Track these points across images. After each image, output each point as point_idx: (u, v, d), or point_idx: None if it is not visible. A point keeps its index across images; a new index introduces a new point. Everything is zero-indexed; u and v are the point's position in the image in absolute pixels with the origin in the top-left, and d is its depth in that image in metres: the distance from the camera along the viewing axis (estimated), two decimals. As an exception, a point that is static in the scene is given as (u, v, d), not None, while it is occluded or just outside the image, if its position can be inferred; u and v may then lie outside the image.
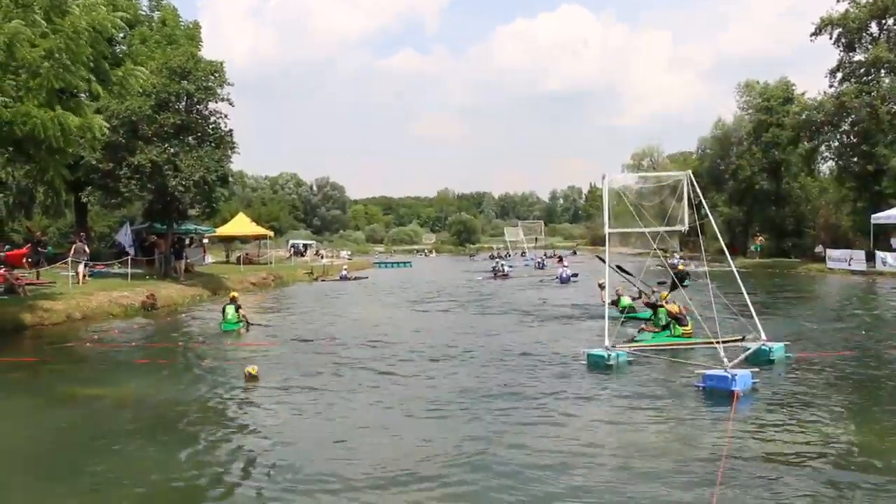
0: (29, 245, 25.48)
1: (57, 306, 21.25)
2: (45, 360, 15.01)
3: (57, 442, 9.24)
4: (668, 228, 15.25)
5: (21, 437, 9.52)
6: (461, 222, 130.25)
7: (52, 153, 16.28)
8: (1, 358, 14.97)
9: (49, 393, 12.01)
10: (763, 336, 13.50)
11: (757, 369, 11.79)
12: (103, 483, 7.59)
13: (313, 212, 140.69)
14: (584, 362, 13.33)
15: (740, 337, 14.26)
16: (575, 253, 78.07)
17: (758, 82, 54.14)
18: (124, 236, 30.76)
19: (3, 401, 11.76)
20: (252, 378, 12.26)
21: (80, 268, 26.29)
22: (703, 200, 14.67)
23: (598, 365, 13.03)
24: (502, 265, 46.43)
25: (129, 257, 28.61)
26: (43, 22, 14.41)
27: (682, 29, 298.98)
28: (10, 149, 16.34)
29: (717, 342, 11.80)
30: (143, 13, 33.66)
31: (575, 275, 37.22)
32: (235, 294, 20.90)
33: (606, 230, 14.90)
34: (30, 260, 23.67)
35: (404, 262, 66.19)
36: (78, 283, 25.44)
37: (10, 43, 13.84)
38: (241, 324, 19.21)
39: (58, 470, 8.09)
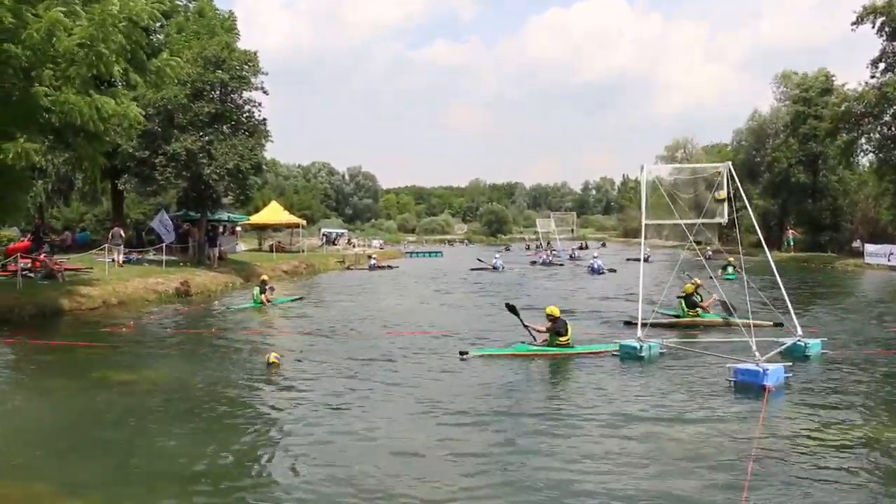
0: (31, 235, 25.23)
1: (94, 292, 21.60)
2: (82, 344, 15.26)
3: (89, 423, 9.41)
4: (706, 220, 15.03)
5: (55, 418, 9.71)
6: (493, 212, 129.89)
7: (90, 140, 16.52)
8: (39, 341, 15.31)
9: (83, 376, 12.22)
10: (799, 331, 13.30)
11: (791, 364, 11.62)
12: (132, 464, 7.75)
13: (345, 201, 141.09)
14: (616, 353, 13.27)
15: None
16: (604, 245, 77.37)
17: (795, 73, 53.24)
18: (159, 224, 31.15)
19: (40, 382, 12.03)
20: (273, 365, 12.47)
21: (117, 252, 27.20)
22: (742, 192, 14.42)
23: (629, 356, 12.94)
24: (551, 256, 47.01)
25: (164, 244, 28.99)
26: (82, 12, 14.61)
27: (717, 19, 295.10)
28: (50, 137, 16.58)
29: (750, 337, 11.58)
30: (180, 3, 33.94)
31: (613, 270, 37.04)
32: (265, 277, 23.49)
33: (643, 220, 14.75)
34: (32, 251, 23.12)
35: (435, 252, 66.34)
36: (115, 265, 26.25)
37: (50, 32, 14.06)
38: (264, 304, 21.71)
39: (88, 451, 8.26)
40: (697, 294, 17.77)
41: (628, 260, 45.33)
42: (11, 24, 13.99)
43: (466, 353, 13.41)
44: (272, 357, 12.65)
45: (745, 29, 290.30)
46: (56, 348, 14.80)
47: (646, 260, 45.26)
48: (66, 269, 23.25)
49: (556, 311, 13.75)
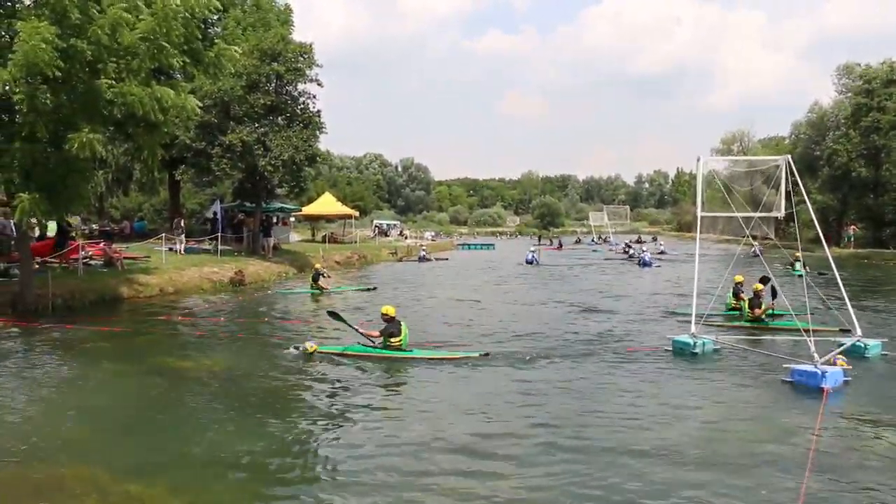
0: (56, 233, 24.96)
1: (151, 280, 22.18)
2: (139, 330, 15.64)
3: (146, 409, 9.65)
4: (763, 214, 14.66)
5: (114, 402, 10.00)
6: (545, 205, 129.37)
7: (150, 131, 16.87)
8: (99, 327, 15.74)
9: (141, 362, 12.56)
10: (858, 331, 12.94)
11: (850, 367, 11.30)
12: (187, 450, 7.93)
13: (398, 192, 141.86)
14: (668, 349, 13.10)
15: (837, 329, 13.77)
16: (655, 239, 76.39)
17: (858, 64, 51.70)
18: (213, 213, 31.76)
19: (100, 367, 12.33)
20: (312, 354, 12.74)
21: (179, 242, 28.23)
22: (801, 186, 14.06)
23: (683, 352, 12.77)
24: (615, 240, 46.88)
25: (219, 234, 29.57)
26: (144, 7, 14.95)
27: (778, 6, 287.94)
28: (111, 128, 16.98)
29: (809, 337, 11.31)
30: (237, -5, 34.42)
31: (657, 266, 36.51)
32: (319, 266, 25.01)
33: (699, 213, 14.50)
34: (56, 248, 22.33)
35: (487, 245, 66.45)
36: (178, 253, 27.38)
37: (114, 27, 14.43)
38: (318, 290, 23.09)
39: (145, 435, 8.47)
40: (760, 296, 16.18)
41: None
42: (78, 20, 14.40)
43: (300, 347, 12.98)
44: (310, 347, 12.88)
45: (806, 17, 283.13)
46: (115, 334, 15.21)
47: (662, 253, 45.39)
48: (124, 258, 23.88)
49: (391, 311, 12.89)
